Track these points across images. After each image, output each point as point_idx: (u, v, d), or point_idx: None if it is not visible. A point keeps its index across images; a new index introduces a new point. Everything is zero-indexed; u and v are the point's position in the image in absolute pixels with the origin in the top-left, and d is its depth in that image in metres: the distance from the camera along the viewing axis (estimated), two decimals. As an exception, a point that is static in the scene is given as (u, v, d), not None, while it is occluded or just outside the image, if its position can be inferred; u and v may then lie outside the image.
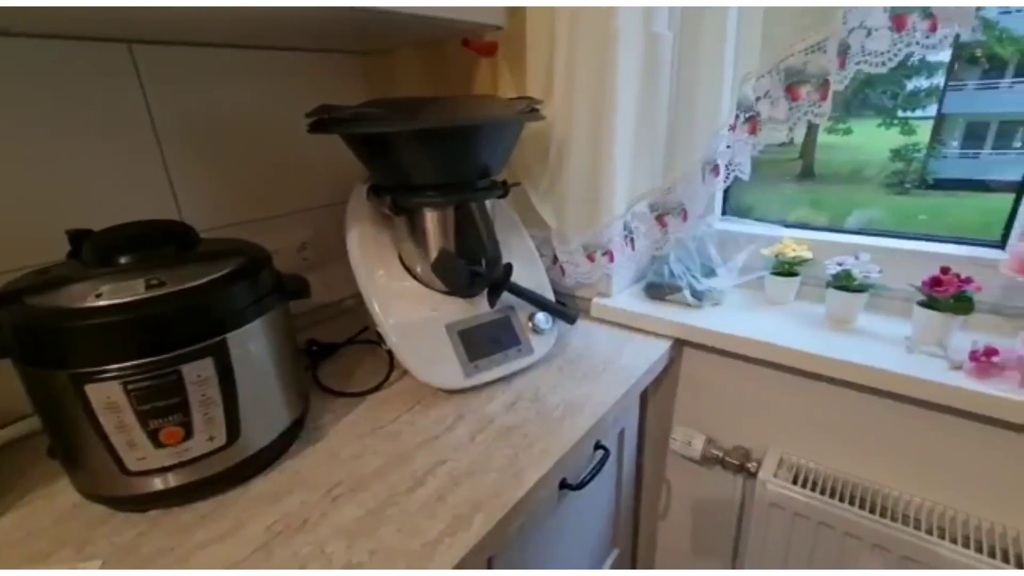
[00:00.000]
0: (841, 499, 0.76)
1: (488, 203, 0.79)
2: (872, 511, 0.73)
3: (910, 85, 1.15)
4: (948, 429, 0.71)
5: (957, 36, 0.55)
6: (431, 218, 0.75)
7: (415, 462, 0.61)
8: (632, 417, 0.87)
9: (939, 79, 1.07)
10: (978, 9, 0.58)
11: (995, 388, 0.64)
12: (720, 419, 0.94)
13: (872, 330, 0.80)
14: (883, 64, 0.60)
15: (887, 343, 0.76)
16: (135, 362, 0.47)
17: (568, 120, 0.82)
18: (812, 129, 1.45)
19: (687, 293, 0.91)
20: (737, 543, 0.89)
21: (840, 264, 0.82)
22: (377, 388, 0.76)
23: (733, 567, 0.90)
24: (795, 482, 0.80)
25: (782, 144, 1.48)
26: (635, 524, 1.12)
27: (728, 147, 0.76)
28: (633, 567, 1.11)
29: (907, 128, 1.13)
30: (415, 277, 0.78)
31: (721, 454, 0.89)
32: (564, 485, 0.69)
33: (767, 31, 0.66)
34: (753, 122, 0.71)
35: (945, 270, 0.72)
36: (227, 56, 0.83)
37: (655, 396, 1.01)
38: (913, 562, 0.69)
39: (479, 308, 0.78)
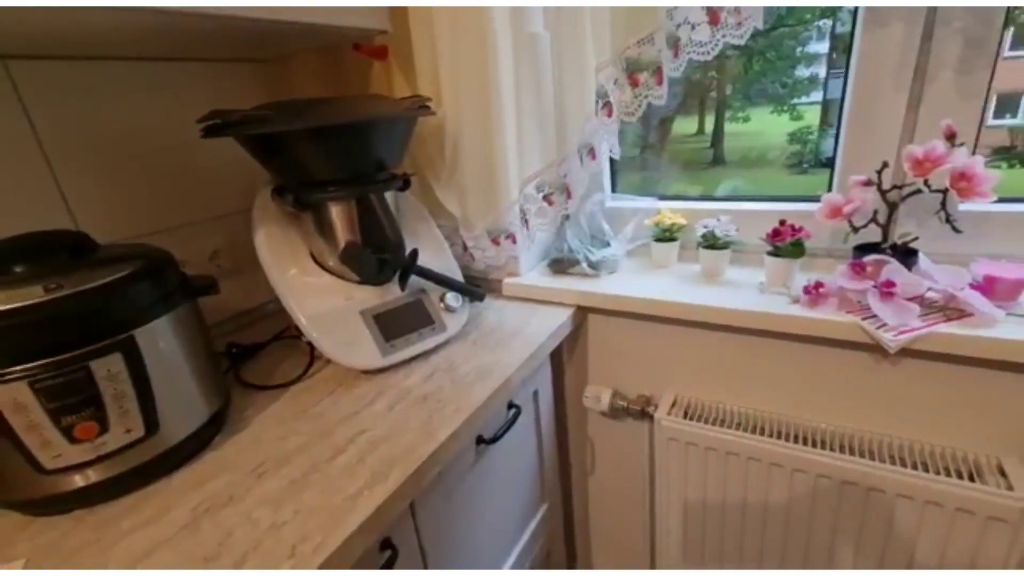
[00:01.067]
0: (725, 425, 0.89)
1: (391, 195, 0.85)
2: (750, 431, 0.86)
3: (798, 74, 1.31)
4: (795, 353, 0.86)
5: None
6: (335, 212, 0.80)
7: (337, 435, 0.67)
8: (544, 378, 0.95)
9: (820, 68, 1.20)
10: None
11: (822, 313, 0.78)
12: (625, 373, 1.05)
13: (736, 280, 0.94)
14: (707, 53, 0.72)
15: (747, 289, 0.90)
16: (40, 362, 0.49)
17: (458, 116, 0.90)
18: (719, 119, 1.57)
19: (584, 265, 1.01)
20: (652, 482, 1.00)
21: (706, 227, 0.95)
22: (299, 379, 0.80)
23: (651, 507, 1.01)
24: (686, 417, 0.92)
25: (695, 133, 1.64)
26: (565, 481, 1.22)
27: (599, 131, 0.86)
28: (566, 520, 1.21)
29: (796, 114, 1.27)
30: (328, 270, 0.83)
31: (625, 404, 1.00)
32: (481, 440, 0.76)
33: (613, 27, 0.76)
34: (608, 107, 0.82)
35: (782, 222, 0.86)
36: (122, 68, 0.84)
37: (571, 361, 1.11)
38: (779, 467, 0.82)
39: (392, 293, 0.84)
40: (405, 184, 0.85)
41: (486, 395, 0.72)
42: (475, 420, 0.70)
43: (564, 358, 1.10)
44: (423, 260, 0.87)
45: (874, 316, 0.74)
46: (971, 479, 0.71)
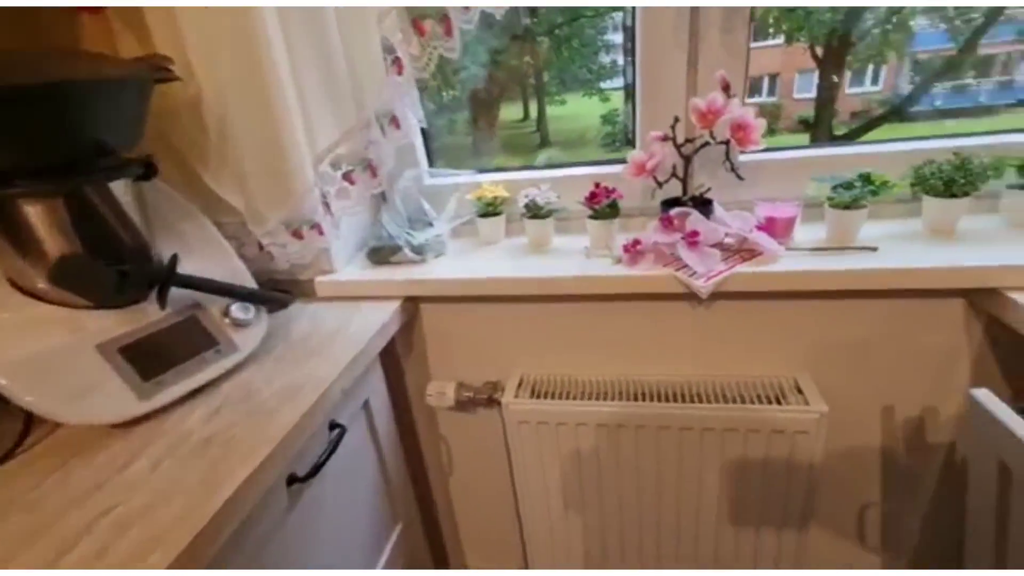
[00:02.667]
0: (572, 397, 0.87)
1: (128, 187, 0.64)
2: (596, 397, 0.85)
3: (601, 59, 1.35)
4: (626, 312, 0.87)
5: None
6: (35, 215, 0.57)
7: (64, 527, 0.47)
8: (375, 385, 0.83)
9: (620, 56, 1.24)
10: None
11: (642, 270, 0.79)
12: (469, 362, 0.98)
13: (563, 248, 0.92)
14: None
15: (574, 255, 0.88)
16: None
17: (218, 84, 0.72)
18: (541, 103, 1.62)
19: (407, 251, 0.91)
20: (511, 470, 0.95)
21: (527, 196, 0.91)
22: (7, 457, 0.57)
23: (514, 495, 0.97)
24: (534, 396, 0.88)
25: (522, 119, 1.66)
26: (423, 489, 1.12)
27: (395, 94, 0.76)
28: (431, 530, 1.11)
29: (604, 96, 1.33)
30: (38, 297, 0.60)
31: (472, 394, 0.93)
32: (294, 479, 0.62)
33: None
34: (399, 63, 0.72)
35: (597, 185, 0.86)
36: None
37: (409, 358, 1.00)
38: (624, 427, 0.82)
39: (148, 315, 0.64)
40: (147, 172, 0.65)
41: (294, 421, 0.58)
42: (281, 455, 0.56)
43: (400, 357, 0.99)
44: (194, 267, 0.68)
45: (686, 266, 0.77)
46: (779, 402, 0.78)
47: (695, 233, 0.75)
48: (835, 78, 1.19)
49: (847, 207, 0.76)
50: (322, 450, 0.66)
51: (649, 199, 0.91)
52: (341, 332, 0.78)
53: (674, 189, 0.85)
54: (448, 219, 0.96)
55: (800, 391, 0.79)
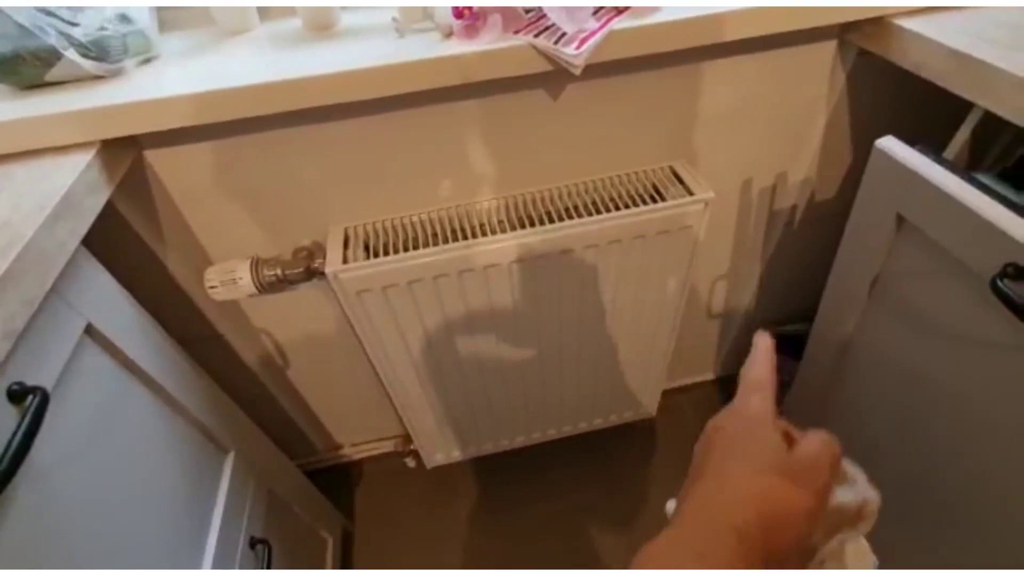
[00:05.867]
0: (417, 245, 0.65)
1: None
2: (454, 238, 0.65)
3: None
4: (465, 114, 0.62)
5: None
6: None
7: None
8: (95, 295, 0.50)
9: None
10: None
11: (486, 42, 0.53)
12: (262, 224, 0.68)
13: (359, 26, 0.60)
14: None
15: (377, 34, 0.57)
16: None
17: None
18: None
19: (72, 55, 0.50)
20: (363, 348, 0.75)
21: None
22: None
23: (374, 371, 0.78)
24: (369, 255, 0.65)
25: None
26: (256, 394, 0.88)
27: None
28: (285, 432, 0.91)
29: None
30: None
31: (279, 271, 0.65)
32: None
33: None
34: None
35: (391, -102, 0.52)
36: None
37: (162, 241, 0.65)
38: (496, 267, 0.65)
39: None
40: None
41: None
42: None
43: (143, 241, 0.64)
44: None
45: (548, 28, 0.53)
46: (660, 196, 0.67)
47: (555, -30, 0.50)
48: None
49: (731, -79, 0.57)
50: (6, 441, 0.36)
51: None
52: (-25, 227, 0.41)
53: (508, -92, 0.56)
54: (139, -14, 0.54)
55: (679, 179, 0.68)
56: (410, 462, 1.09)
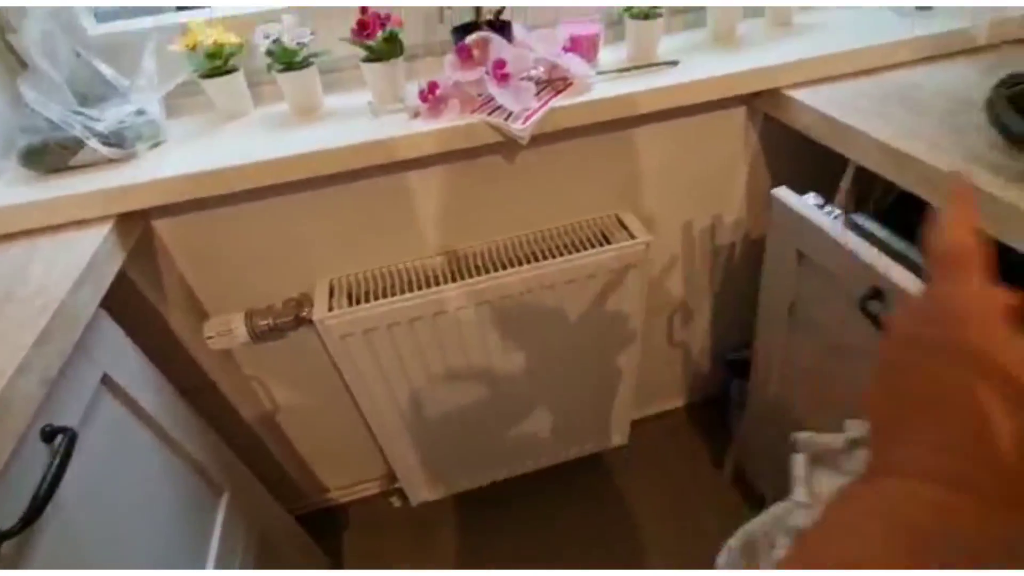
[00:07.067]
0: (396, 292, 0.73)
1: None
2: (427, 284, 0.73)
3: None
4: (436, 177, 0.72)
5: None
6: None
7: None
8: (111, 350, 0.57)
9: None
10: None
11: (447, 120, 0.63)
12: (256, 281, 0.75)
13: (341, 108, 0.70)
14: None
15: (356, 116, 0.68)
16: None
17: None
18: None
19: (95, 143, 0.58)
20: (349, 390, 0.82)
21: (267, 36, 0.64)
22: None
23: (357, 408, 0.84)
24: (352, 302, 0.72)
25: None
26: (247, 437, 0.92)
27: None
28: (273, 474, 0.95)
29: None
30: None
31: (271, 320, 0.73)
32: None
33: None
34: None
35: (364, 10, 0.63)
36: None
37: (164, 298, 0.72)
38: (465, 309, 0.74)
39: None
40: None
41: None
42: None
43: (148, 299, 0.71)
44: None
45: (499, 108, 0.64)
46: (607, 241, 0.76)
47: (502, 63, 0.61)
48: None
49: (646, 16, 0.70)
50: (40, 475, 0.42)
51: (435, 31, 0.73)
52: (11, 295, 0.48)
53: (464, 14, 0.68)
54: (151, 86, 0.64)
55: (624, 226, 0.78)
56: (395, 501, 1.12)
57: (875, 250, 0.50)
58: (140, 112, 0.62)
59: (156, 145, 0.65)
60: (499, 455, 1.01)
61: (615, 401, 0.98)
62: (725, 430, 1.14)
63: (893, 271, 0.47)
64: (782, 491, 0.91)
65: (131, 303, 0.69)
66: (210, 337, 0.71)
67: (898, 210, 0.63)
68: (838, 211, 0.58)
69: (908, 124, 0.57)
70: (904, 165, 0.54)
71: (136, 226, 0.64)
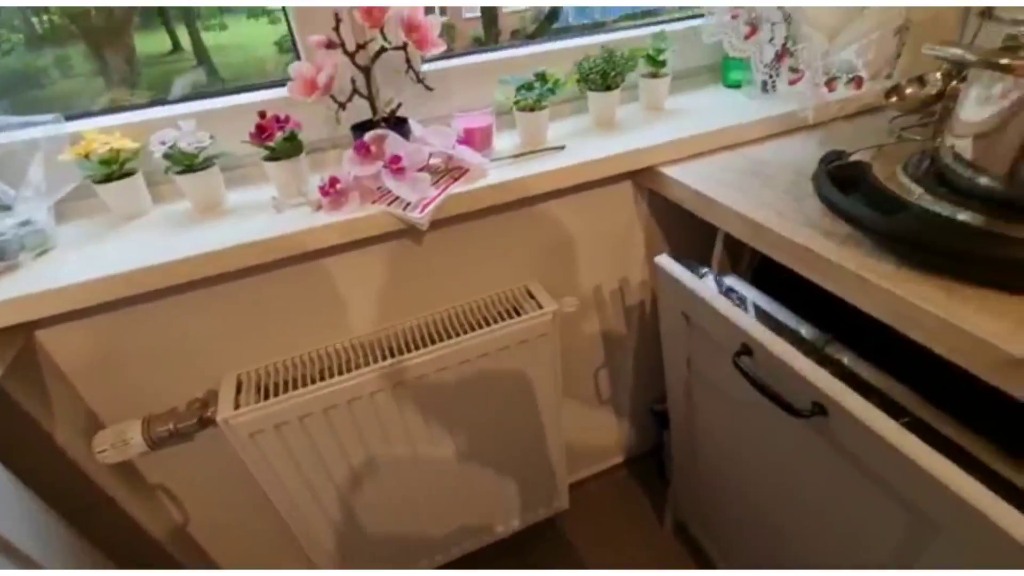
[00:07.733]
0: (310, 380, 0.72)
1: None
2: (341, 372, 0.72)
3: None
4: (342, 265, 0.74)
5: None
6: None
7: None
8: None
9: None
10: None
11: (348, 213, 0.66)
12: (155, 384, 0.72)
13: (244, 204, 0.71)
14: None
15: (260, 212, 0.69)
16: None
17: None
18: (194, 32, 1.27)
19: (-30, 258, 0.56)
20: (264, 490, 0.77)
21: (164, 142, 0.65)
22: None
23: (279, 518, 0.79)
24: (262, 396, 0.70)
25: (171, 51, 1.23)
26: (157, 558, 0.84)
27: None
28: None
29: (272, 17, 1.08)
30: None
31: (172, 425, 0.69)
32: None
33: None
34: None
35: (263, 114, 0.67)
36: None
37: (51, 414, 0.67)
38: (381, 392, 0.73)
39: None
40: None
41: None
42: None
43: (31, 416, 0.65)
44: None
45: (397, 198, 0.67)
46: (517, 313, 0.79)
47: (397, 158, 0.65)
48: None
49: (532, 109, 0.77)
50: None
51: (335, 127, 0.76)
52: None
53: (362, 111, 0.72)
54: (38, 195, 0.62)
55: (532, 296, 0.82)
56: (329, 604, 1.04)
57: (740, 310, 0.55)
58: (25, 223, 0.60)
59: (43, 253, 0.63)
60: (436, 538, 0.97)
61: (549, 467, 0.98)
62: (665, 483, 1.16)
63: (756, 330, 0.52)
64: (724, 545, 0.93)
65: (11, 422, 0.64)
66: (102, 451, 0.66)
67: (768, 270, 0.70)
68: (713, 274, 0.64)
69: (761, 195, 0.66)
70: (759, 233, 0.61)
71: (17, 339, 0.60)
